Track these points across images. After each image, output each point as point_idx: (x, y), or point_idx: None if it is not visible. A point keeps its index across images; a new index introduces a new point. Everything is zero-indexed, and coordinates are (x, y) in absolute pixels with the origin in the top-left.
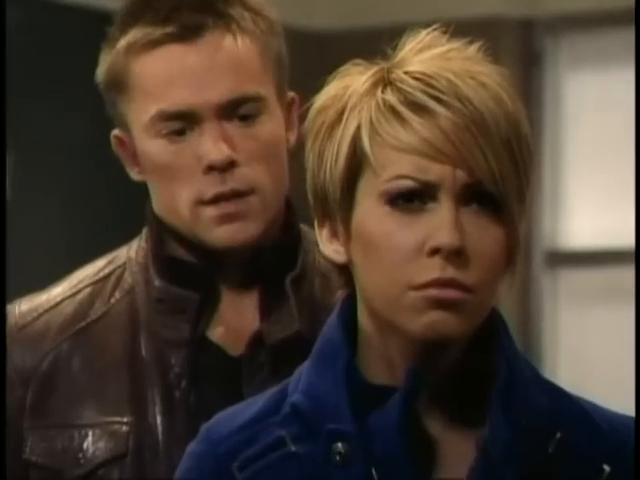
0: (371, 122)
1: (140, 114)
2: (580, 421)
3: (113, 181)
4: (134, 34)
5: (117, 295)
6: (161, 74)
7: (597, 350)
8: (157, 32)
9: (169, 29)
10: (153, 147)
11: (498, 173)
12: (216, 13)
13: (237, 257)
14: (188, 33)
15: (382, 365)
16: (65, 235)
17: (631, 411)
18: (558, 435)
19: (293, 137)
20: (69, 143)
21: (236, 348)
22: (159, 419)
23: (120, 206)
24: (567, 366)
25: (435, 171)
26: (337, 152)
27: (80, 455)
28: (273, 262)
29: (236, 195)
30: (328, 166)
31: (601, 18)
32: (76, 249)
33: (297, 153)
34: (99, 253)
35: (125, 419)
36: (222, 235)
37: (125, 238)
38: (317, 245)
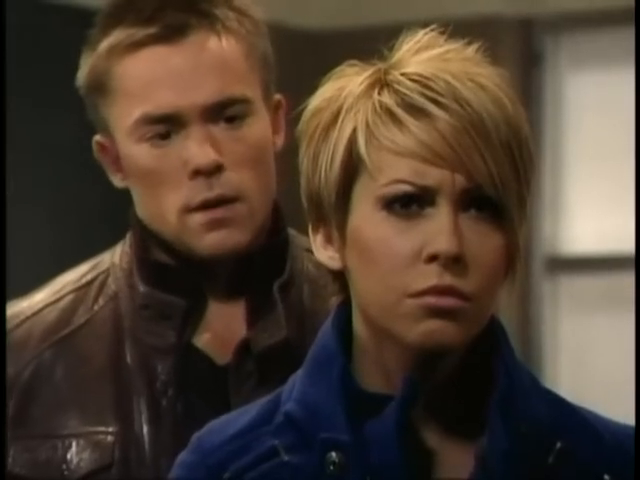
0: (367, 125)
1: (123, 118)
2: (581, 431)
3: (100, 184)
4: (116, 35)
5: (101, 301)
6: (145, 76)
7: (598, 357)
8: (140, 33)
9: (152, 30)
10: (137, 151)
11: (498, 178)
12: (200, 13)
13: (224, 263)
14: (172, 33)
15: (378, 373)
16: (51, 239)
17: (632, 417)
18: (558, 445)
19: (280, 140)
20: (55, 145)
21: (223, 356)
22: (145, 428)
23: (108, 210)
24: (568, 373)
25: (433, 175)
26: (332, 155)
27: (64, 466)
28: (260, 268)
29: (223, 201)
30: (323, 169)
31: (602, 17)
32: (62, 254)
33: (285, 156)
34: (86, 257)
35: (110, 429)
36: (209, 242)
37: (113, 242)
38: (306, 250)
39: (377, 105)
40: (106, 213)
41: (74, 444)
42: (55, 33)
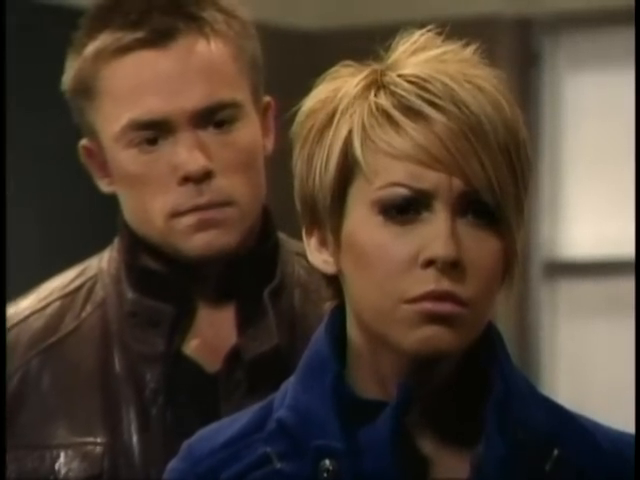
0: (363, 127)
1: (110, 123)
2: (579, 439)
3: (88, 188)
4: (103, 39)
5: (88, 309)
6: (132, 81)
7: (597, 363)
8: (127, 37)
9: (140, 34)
10: (125, 157)
11: (496, 182)
12: (188, 16)
13: (212, 268)
14: (159, 38)
15: (372, 379)
16: (39, 243)
17: (631, 425)
18: (556, 452)
19: (270, 143)
20: (44, 148)
21: (213, 363)
22: (135, 438)
23: (96, 213)
24: (566, 380)
25: (430, 179)
26: (327, 157)
27: (52, 477)
28: (250, 273)
29: (213, 206)
30: (317, 172)
31: (602, 17)
32: (49, 258)
33: (276, 158)
34: (73, 262)
35: (99, 439)
36: (197, 243)
37: (101, 246)
38: (296, 254)
39: (373, 107)
40: (94, 217)
41: (62, 454)
42: (46, 33)
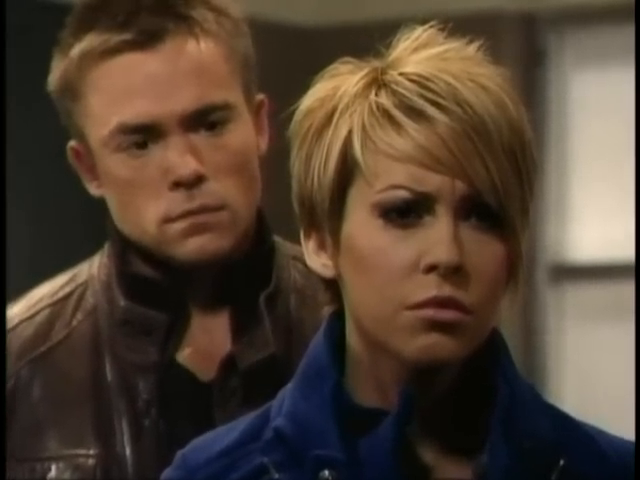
0: (363, 127)
1: (98, 127)
2: (585, 448)
3: (80, 190)
4: (90, 41)
5: (79, 316)
6: (120, 84)
7: (604, 369)
8: (114, 39)
9: (127, 36)
10: (114, 162)
11: (500, 184)
12: (177, 16)
13: (206, 273)
14: (148, 39)
15: (372, 387)
16: (30, 248)
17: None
18: (561, 462)
19: (264, 143)
20: (36, 149)
21: (206, 371)
22: (128, 449)
23: (88, 215)
24: (573, 385)
25: (432, 182)
26: (326, 158)
27: None
28: (245, 278)
29: (205, 210)
30: (316, 173)
31: (608, 13)
32: (40, 263)
33: (272, 159)
34: (64, 267)
35: (91, 451)
36: (191, 248)
37: (93, 250)
38: (292, 258)
39: (374, 106)
40: (85, 219)
41: (54, 467)
42: (40, 32)
